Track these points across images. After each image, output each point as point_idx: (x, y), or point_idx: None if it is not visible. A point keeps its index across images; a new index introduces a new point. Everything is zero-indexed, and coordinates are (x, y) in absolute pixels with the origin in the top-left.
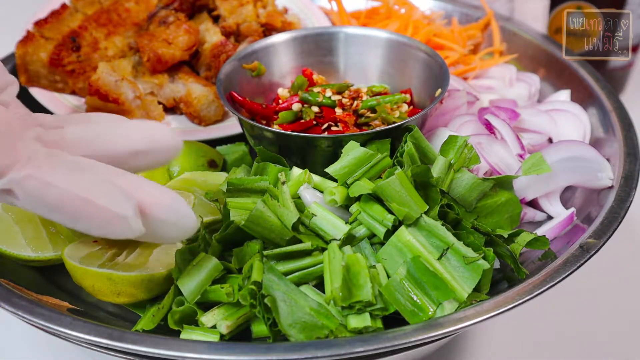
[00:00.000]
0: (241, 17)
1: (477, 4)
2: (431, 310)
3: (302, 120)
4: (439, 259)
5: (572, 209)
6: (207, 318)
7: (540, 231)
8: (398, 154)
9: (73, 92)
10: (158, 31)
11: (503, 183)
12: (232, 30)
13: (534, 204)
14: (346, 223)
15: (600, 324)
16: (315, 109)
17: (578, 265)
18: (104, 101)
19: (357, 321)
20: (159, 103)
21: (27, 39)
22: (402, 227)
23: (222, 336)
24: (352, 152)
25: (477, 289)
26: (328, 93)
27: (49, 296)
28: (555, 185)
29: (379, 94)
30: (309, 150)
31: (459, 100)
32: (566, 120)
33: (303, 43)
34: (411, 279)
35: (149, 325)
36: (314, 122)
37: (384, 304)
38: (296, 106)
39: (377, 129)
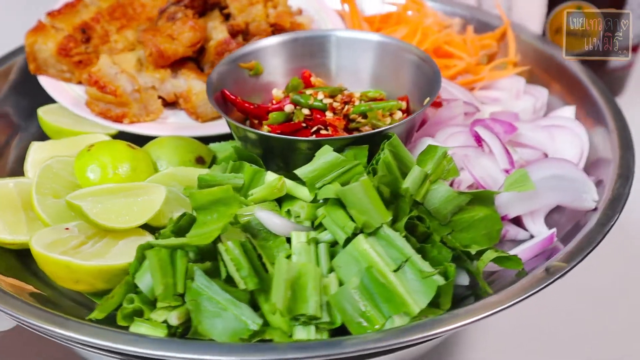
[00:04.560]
0: (250, 16)
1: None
2: (380, 322)
3: (292, 122)
4: (396, 271)
5: (553, 230)
6: (157, 314)
7: (517, 250)
8: (374, 162)
9: (80, 83)
10: (164, 26)
11: (482, 198)
12: (240, 29)
13: (518, 222)
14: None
15: (596, 324)
16: (306, 111)
17: (538, 289)
18: (103, 92)
19: (302, 333)
20: (160, 97)
21: (38, 28)
22: (360, 236)
23: (171, 328)
24: (324, 156)
25: (436, 304)
26: (320, 96)
27: (15, 278)
28: (540, 203)
29: (374, 99)
30: (291, 152)
31: (455, 110)
32: (564, 137)
33: (295, 46)
34: (363, 289)
35: (100, 315)
36: (304, 125)
37: (331, 317)
38: (288, 107)
39: (357, 134)
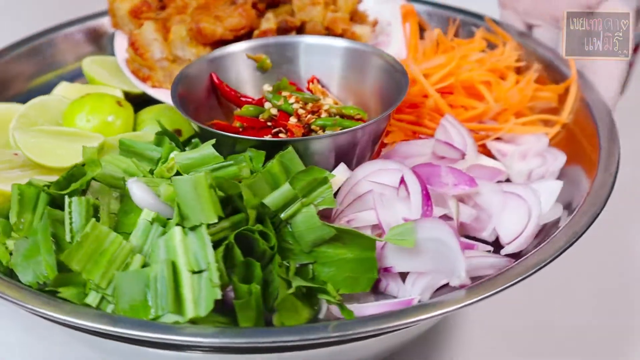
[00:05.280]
0: (309, 15)
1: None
2: (150, 315)
3: (257, 118)
4: (196, 273)
5: (414, 297)
6: (9, 243)
7: (374, 304)
8: (261, 168)
9: None
10: (219, 7)
11: (357, 239)
12: (294, 26)
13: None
14: None
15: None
16: (274, 111)
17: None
18: (135, 53)
19: (91, 298)
20: None
21: None
22: (177, 228)
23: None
24: (204, 149)
25: (234, 321)
26: (292, 100)
27: None
28: (423, 265)
29: (351, 117)
30: (222, 147)
31: (423, 149)
32: (515, 209)
33: (262, 52)
34: (154, 279)
35: None
36: (269, 124)
37: (115, 294)
38: (268, 104)
39: (268, 139)
